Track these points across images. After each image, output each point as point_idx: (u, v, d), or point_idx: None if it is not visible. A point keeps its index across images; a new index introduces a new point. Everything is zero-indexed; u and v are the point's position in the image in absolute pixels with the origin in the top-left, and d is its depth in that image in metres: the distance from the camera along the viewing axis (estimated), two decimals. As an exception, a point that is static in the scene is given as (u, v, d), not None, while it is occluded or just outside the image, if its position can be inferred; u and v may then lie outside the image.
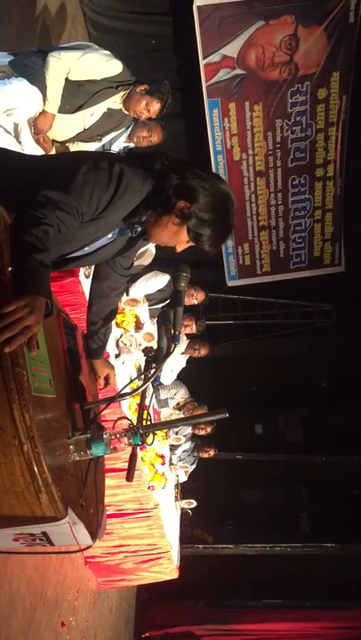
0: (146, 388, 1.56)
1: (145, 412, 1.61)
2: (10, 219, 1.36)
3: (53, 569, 3.79)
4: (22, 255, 1.30)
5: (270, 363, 7.25)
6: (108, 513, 1.74)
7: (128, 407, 3.24)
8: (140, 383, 1.59)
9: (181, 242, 1.69)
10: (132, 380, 3.33)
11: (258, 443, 7.21)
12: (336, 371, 7.32)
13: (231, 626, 5.92)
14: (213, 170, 5.71)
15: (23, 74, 3.04)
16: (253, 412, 7.36)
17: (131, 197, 1.60)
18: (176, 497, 4.84)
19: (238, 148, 5.72)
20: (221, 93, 5.37)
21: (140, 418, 1.55)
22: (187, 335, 4.79)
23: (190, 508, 4.89)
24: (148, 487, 3.78)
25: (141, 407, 1.56)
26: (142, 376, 1.67)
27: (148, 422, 1.59)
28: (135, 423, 1.57)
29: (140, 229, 1.72)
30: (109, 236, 1.69)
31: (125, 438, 1.52)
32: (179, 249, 1.72)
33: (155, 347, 1.66)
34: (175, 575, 4.62)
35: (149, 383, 1.56)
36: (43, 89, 3.06)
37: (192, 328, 4.66)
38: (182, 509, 4.91)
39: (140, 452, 3.41)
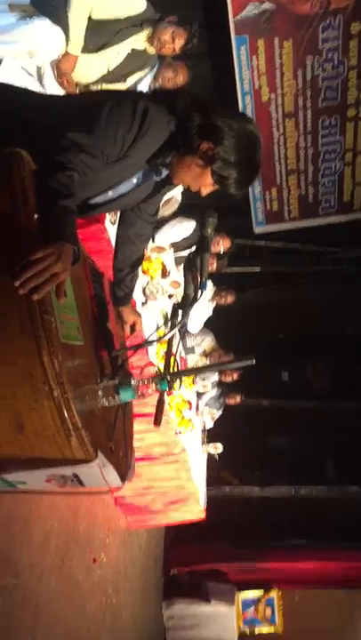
0: (173, 335, 1.56)
1: (172, 358, 1.62)
2: (34, 163, 1.34)
3: (85, 508, 3.93)
4: (48, 202, 1.29)
5: (297, 310, 7.21)
6: (136, 456, 1.78)
7: (155, 354, 3.27)
8: (166, 330, 1.59)
9: (206, 184, 1.65)
10: (158, 328, 3.35)
11: (284, 390, 7.25)
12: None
13: (257, 564, 6.11)
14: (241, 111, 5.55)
15: (45, 13, 2.96)
16: (280, 359, 7.37)
17: (155, 136, 1.56)
18: (203, 441, 4.93)
19: (267, 87, 5.52)
20: (249, 30, 5.14)
21: (167, 364, 1.56)
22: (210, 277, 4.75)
23: (217, 453, 4.98)
24: (176, 432, 3.85)
25: (169, 354, 1.57)
26: (169, 323, 1.67)
27: (176, 369, 1.61)
28: (162, 370, 1.58)
29: (164, 173, 1.68)
30: (134, 181, 1.66)
31: (153, 384, 1.54)
32: (204, 192, 1.68)
33: (181, 294, 1.65)
34: (202, 516, 4.77)
35: (176, 330, 1.56)
36: (65, 29, 2.98)
37: (213, 266, 4.62)
38: (209, 454, 5.00)
39: (167, 398, 3.46)
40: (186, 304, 1.56)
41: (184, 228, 4.35)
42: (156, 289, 3.48)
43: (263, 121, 5.65)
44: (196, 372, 4.09)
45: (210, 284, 5.11)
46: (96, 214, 1.74)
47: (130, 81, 3.52)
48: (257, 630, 6.12)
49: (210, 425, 5.16)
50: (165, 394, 1.62)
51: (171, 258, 4.03)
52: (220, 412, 5.33)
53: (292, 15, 5.08)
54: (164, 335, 1.55)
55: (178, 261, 4.36)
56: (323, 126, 5.81)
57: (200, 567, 6.12)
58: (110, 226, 2.78)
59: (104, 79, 3.35)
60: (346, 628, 6.14)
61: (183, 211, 4.47)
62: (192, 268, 1.58)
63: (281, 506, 6.18)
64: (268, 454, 6.81)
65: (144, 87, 3.65)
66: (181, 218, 4.40)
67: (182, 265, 4.35)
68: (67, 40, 3.01)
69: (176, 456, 4.06)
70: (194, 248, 1.66)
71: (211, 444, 4.99)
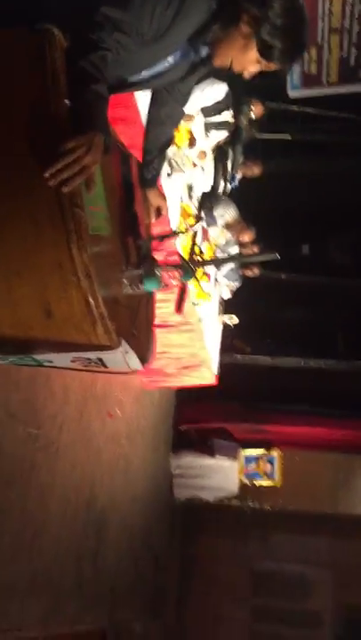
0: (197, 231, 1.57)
1: (197, 247, 1.63)
2: (65, 40, 1.27)
3: (102, 368, 4.14)
4: (79, 85, 1.24)
5: (327, 182, 6.96)
6: (154, 323, 1.85)
7: (181, 240, 3.25)
8: (191, 205, 1.58)
9: (250, 61, 1.55)
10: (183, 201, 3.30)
11: (304, 263, 7.19)
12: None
13: (263, 426, 6.50)
14: None
15: None
16: (302, 231, 7.26)
17: (195, 13, 1.46)
18: (219, 311, 5.03)
19: None
20: None
21: (191, 256, 1.58)
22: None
23: (233, 324, 5.09)
24: (193, 304, 3.92)
25: (193, 246, 1.58)
26: (194, 210, 1.66)
27: (200, 259, 1.63)
28: (187, 259, 1.60)
29: (204, 51, 1.58)
30: (170, 60, 1.57)
31: (177, 274, 1.57)
32: (248, 71, 1.59)
33: (207, 165, 1.61)
34: (213, 382, 5.00)
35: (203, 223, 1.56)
36: None
37: (253, 171, 4.45)
38: (224, 323, 5.12)
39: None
40: (212, 196, 1.54)
41: (215, 90, 4.11)
42: (182, 160, 3.37)
43: (309, -31, 5.11)
44: (220, 263, 4.05)
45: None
46: (128, 92, 1.67)
47: None
48: (257, 483, 6.66)
49: (227, 296, 5.23)
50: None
51: (200, 125, 3.86)
52: (237, 284, 5.38)
53: None
54: (190, 227, 1.55)
55: (207, 127, 4.18)
56: (375, -21, 5.26)
57: (208, 425, 6.53)
58: (139, 93, 2.65)
59: None
60: (339, 487, 6.67)
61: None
62: (223, 158, 1.54)
63: (290, 376, 6.42)
64: (282, 326, 6.95)
65: None
66: (213, 79, 4.15)
67: (212, 131, 4.20)
68: None
69: (192, 325, 4.17)
70: (224, 131, 1.60)
71: (227, 315, 5.09)
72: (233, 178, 1.53)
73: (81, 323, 1.33)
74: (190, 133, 3.59)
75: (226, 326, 5.18)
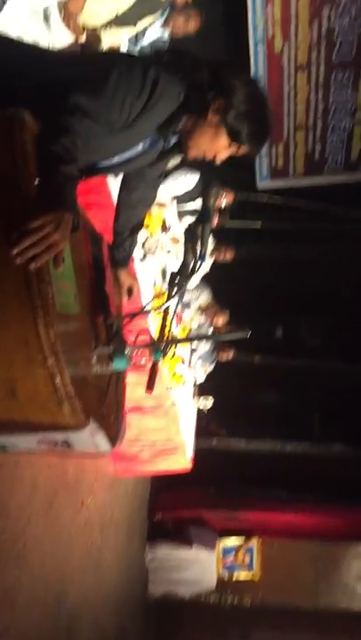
0: (169, 307, 1.57)
1: (167, 326, 1.62)
2: (36, 127, 1.31)
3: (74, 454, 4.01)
4: (49, 167, 1.26)
5: (296, 268, 7.18)
6: (127, 407, 1.81)
7: (152, 318, 3.27)
8: (163, 287, 1.58)
9: (221, 146, 1.62)
10: (155, 285, 3.34)
11: (277, 346, 7.29)
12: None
13: (239, 513, 6.31)
14: (253, 62, 5.38)
15: None
16: (275, 315, 7.39)
17: (164, 106, 1.52)
18: (194, 394, 4.99)
19: (280, 37, 5.32)
20: (266, -25, 4.94)
21: (162, 334, 1.57)
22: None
23: (207, 408, 5.05)
24: (167, 388, 3.89)
25: (164, 324, 1.57)
26: (166, 290, 1.66)
27: (170, 337, 1.61)
28: (157, 338, 1.59)
29: (173, 140, 1.65)
30: (140, 147, 1.62)
31: (147, 353, 1.55)
32: (219, 158, 1.65)
33: (180, 252, 1.64)
34: (188, 467, 4.88)
35: (172, 301, 1.56)
36: (74, -32, 2.85)
37: (225, 256, 4.63)
38: (199, 408, 5.08)
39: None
40: (184, 274, 1.55)
41: (188, 180, 4.28)
42: (156, 245, 3.45)
43: (274, 73, 5.49)
44: (191, 340, 4.10)
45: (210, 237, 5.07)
46: (98, 176, 1.71)
47: (140, 25, 3.40)
48: (235, 576, 6.37)
49: (202, 379, 5.22)
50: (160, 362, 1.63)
51: (172, 213, 3.99)
52: (212, 366, 5.39)
53: None
54: (160, 306, 1.55)
55: (180, 215, 4.31)
56: (335, 81, 5.64)
57: (184, 513, 6.31)
58: (111, 180, 2.74)
59: (113, 23, 3.23)
60: (320, 579, 6.41)
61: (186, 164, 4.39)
62: (193, 237, 1.56)
63: (266, 459, 6.34)
64: (256, 409, 6.92)
65: (154, 33, 3.53)
66: (185, 170, 4.32)
67: (184, 218, 4.33)
68: (76, -20, 2.89)
69: (166, 409, 4.12)
70: (195, 216, 1.64)
71: (201, 397, 5.06)
72: (202, 256, 1.54)
73: (47, 402, 1.28)
74: (164, 220, 3.70)
75: (201, 410, 5.14)
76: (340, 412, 6.69)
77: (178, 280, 1.55)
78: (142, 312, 1.59)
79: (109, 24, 3.27)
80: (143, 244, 3.46)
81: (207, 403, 5.03)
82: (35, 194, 1.24)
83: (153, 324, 3.25)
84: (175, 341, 1.59)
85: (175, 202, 4.22)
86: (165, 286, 3.11)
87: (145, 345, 1.55)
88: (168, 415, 4.16)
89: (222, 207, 4.63)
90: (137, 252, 3.35)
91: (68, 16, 3.01)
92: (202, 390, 5.21)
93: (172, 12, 3.51)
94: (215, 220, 4.60)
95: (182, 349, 4.33)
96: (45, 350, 1.23)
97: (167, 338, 1.57)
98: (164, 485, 6.20)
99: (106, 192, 2.81)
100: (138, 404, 4.04)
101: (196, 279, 4.95)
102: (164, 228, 3.68)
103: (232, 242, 5.36)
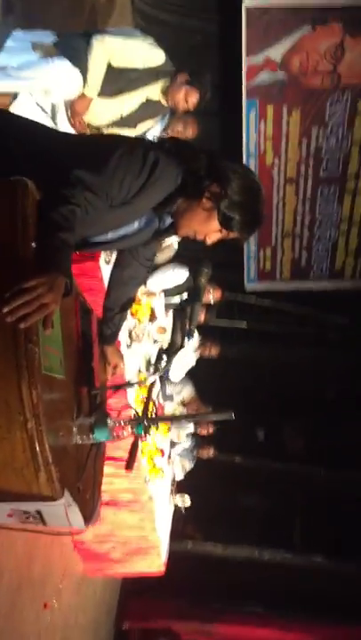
0: (154, 381, 1.56)
1: (151, 403, 1.61)
2: (38, 194, 1.36)
3: (43, 548, 3.80)
4: (48, 232, 1.30)
5: (280, 370, 7.21)
6: (102, 500, 1.75)
7: (134, 399, 3.24)
8: (148, 375, 1.59)
9: (212, 230, 1.69)
10: (140, 372, 3.34)
11: (258, 448, 7.17)
12: (345, 386, 7.26)
13: (213, 627, 5.91)
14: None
15: (66, 54, 3.05)
16: (257, 417, 7.32)
17: (161, 187, 1.60)
18: (171, 492, 4.84)
19: (271, 152, 5.69)
20: (261, 95, 5.33)
21: (145, 409, 1.55)
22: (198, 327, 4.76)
23: (185, 507, 4.87)
24: (145, 480, 3.78)
25: (148, 398, 1.56)
26: (152, 368, 1.66)
27: (153, 415, 1.59)
28: (140, 414, 1.57)
29: (168, 221, 1.72)
30: (135, 226, 1.69)
31: (129, 427, 1.52)
32: (209, 240, 1.71)
33: (166, 340, 1.66)
34: (162, 570, 4.63)
35: (158, 376, 1.56)
36: (84, 71, 3.07)
37: (202, 317, 4.63)
38: (176, 506, 4.90)
39: (140, 444, 3.41)
40: (171, 350, 1.56)
41: (177, 275, 4.39)
42: (142, 333, 3.48)
43: (265, 184, 5.78)
44: (174, 419, 4.07)
45: (196, 334, 5.12)
46: (92, 251, 1.76)
47: (140, 128, 3.61)
48: None
49: (180, 476, 5.08)
50: (140, 439, 1.60)
51: (161, 303, 4.05)
52: (191, 465, 5.26)
53: (303, 87, 5.29)
54: (147, 379, 1.54)
55: (167, 307, 4.38)
56: (322, 195, 5.98)
57: (153, 624, 5.91)
58: (105, 265, 2.80)
59: (116, 124, 3.43)
60: None
61: (177, 259, 4.52)
62: (182, 315, 1.59)
63: (243, 567, 6.03)
64: (235, 511, 6.67)
65: (153, 136, 3.74)
66: (175, 265, 4.44)
67: (171, 311, 4.39)
68: (84, 82, 3.10)
69: (143, 504, 3.98)
70: (185, 295, 1.68)
71: (179, 495, 4.90)
72: (190, 334, 1.56)
73: (23, 468, 1.24)
74: (152, 309, 3.75)
75: (178, 507, 4.95)
76: (322, 521, 6.47)
77: (165, 355, 1.56)
78: (127, 385, 1.58)
79: (111, 125, 3.48)
80: (130, 332, 3.49)
81: (185, 500, 4.86)
82: (31, 256, 1.27)
83: (135, 402, 3.21)
84: (158, 419, 1.57)
85: (163, 294, 4.30)
86: (149, 375, 3.12)
87: (128, 420, 1.53)
88: (144, 510, 4.01)
89: (210, 303, 4.70)
90: (123, 339, 3.37)
91: (75, 115, 3.21)
92: (180, 488, 5.05)
93: (172, 117, 3.75)
94: (202, 316, 4.66)
95: (162, 441, 4.24)
96: (27, 412, 1.21)
97: (150, 413, 1.55)
98: (134, 590, 5.83)
99: (98, 277, 2.87)
100: (114, 497, 3.91)
101: (180, 372, 4.95)
102: (152, 318, 3.72)
103: (218, 338, 5.41)
